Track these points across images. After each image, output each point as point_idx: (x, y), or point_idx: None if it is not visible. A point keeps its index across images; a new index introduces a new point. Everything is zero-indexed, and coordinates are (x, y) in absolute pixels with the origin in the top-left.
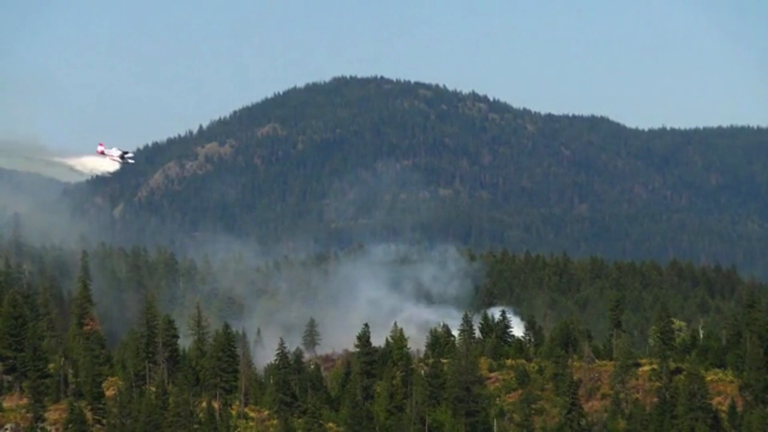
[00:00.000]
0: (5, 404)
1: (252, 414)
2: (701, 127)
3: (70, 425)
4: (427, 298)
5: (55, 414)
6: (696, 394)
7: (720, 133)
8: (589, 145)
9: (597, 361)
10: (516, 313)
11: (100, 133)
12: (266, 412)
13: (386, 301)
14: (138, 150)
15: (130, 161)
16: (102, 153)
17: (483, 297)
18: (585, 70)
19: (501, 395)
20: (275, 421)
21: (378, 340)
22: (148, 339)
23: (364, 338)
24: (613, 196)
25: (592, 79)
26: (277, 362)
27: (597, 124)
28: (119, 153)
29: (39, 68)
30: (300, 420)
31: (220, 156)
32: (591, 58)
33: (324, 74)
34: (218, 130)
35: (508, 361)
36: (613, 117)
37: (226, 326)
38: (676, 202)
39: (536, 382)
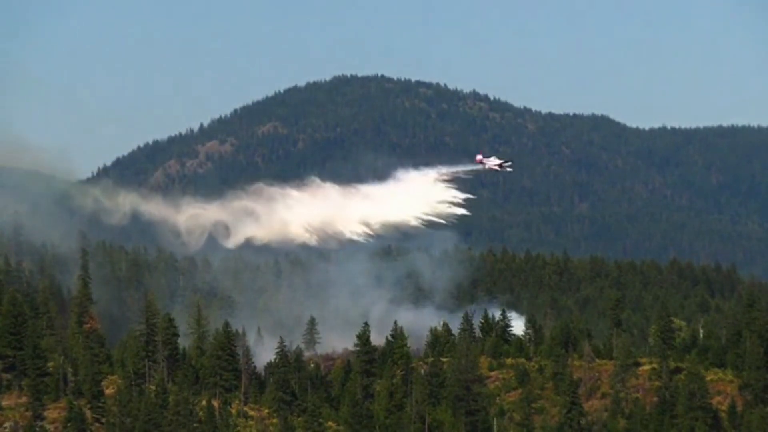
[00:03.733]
0: (4, 403)
1: (252, 413)
2: (701, 126)
3: (69, 424)
4: (427, 296)
5: (54, 412)
6: (696, 394)
7: (720, 132)
8: (589, 144)
9: (597, 360)
10: (502, 304)
11: (99, 131)
12: (266, 411)
13: (384, 299)
14: (138, 148)
15: (509, 169)
16: (481, 162)
17: (464, 293)
18: (585, 69)
19: (501, 394)
20: (275, 420)
21: (377, 339)
22: (148, 337)
23: (363, 337)
24: (613, 195)
25: (592, 78)
26: (276, 361)
27: (598, 123)
28: (498, 162)
29: (38, 68)
30: (300, 419)
31: (220, 154)
32: (591, 57)
33: (324, 73)
34: (219, 128)
35: (508, 360)
36: (614, 116)
37: (226, 325)
38: (676, 201)
39: (536, 381)
